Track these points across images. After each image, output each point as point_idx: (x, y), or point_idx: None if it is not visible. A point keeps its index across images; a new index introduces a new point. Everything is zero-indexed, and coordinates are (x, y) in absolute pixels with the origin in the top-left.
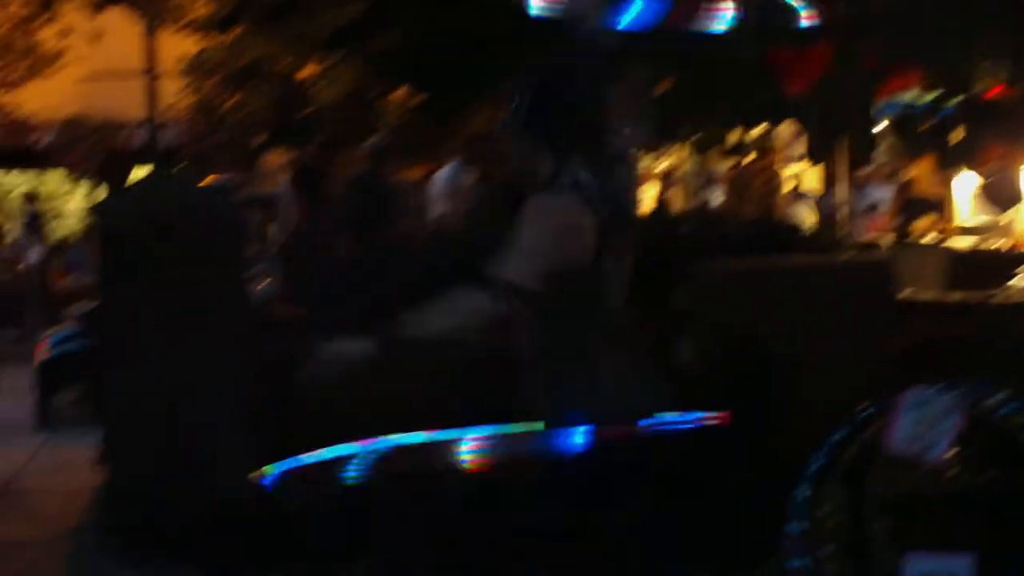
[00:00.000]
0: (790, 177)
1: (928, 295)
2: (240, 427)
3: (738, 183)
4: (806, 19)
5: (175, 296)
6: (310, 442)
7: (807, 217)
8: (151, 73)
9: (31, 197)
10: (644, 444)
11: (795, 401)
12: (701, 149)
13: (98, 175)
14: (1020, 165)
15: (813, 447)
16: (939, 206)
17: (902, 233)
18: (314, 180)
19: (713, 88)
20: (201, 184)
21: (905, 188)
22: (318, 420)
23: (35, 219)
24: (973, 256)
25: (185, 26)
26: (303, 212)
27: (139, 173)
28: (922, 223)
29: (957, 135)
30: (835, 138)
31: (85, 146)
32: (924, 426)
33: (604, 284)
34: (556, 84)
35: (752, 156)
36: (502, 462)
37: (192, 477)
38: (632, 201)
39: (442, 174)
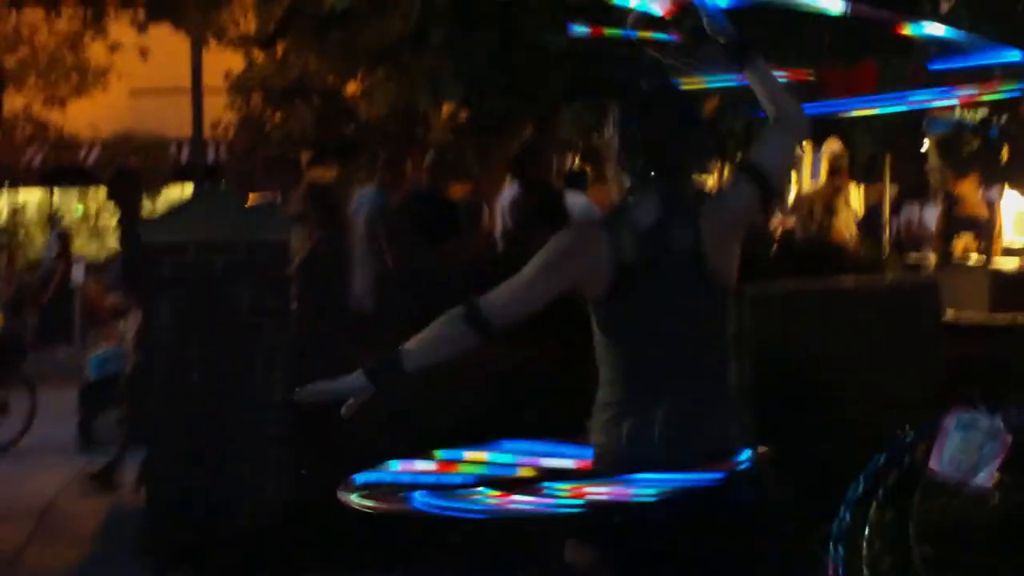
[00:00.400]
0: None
1: (973, 317)
2: (281, 448)
3: (802, 204)
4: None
5: (220, 311)
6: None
7: (852, 236)
8: (197, 90)
9: (54, 218)
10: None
11: (838, 424)
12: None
13: (108, 194)
14: None
15: (856, 471)
16: (984, 226)
17: (947, 253)
18: (327, 200)
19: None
20: (247, 202)
21: (951, 207)
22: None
23: (62, 238)
24: (1018, 277)
25: (231, 42)
26: (316, 232)
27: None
28: (967, 242)
29: (1003, 154)
30: (882, 157)
31: (132, 163)
32: (968, 450)
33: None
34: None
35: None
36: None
37: (233, 499)
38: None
39: (507, 192)
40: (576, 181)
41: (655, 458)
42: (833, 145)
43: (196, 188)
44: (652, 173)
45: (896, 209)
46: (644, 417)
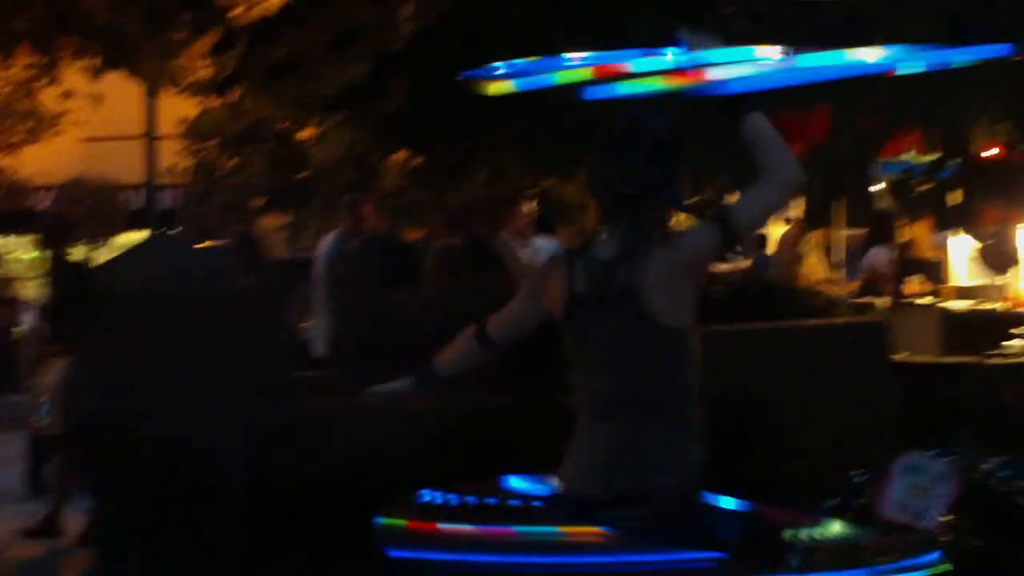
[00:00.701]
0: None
1: (924, 358)
2: (234, 489)
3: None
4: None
5: (172, 359)
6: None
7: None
8: (151, 136)
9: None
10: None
11: (789, 466)
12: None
13: (39, 241)
14: (1017, 228)
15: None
16: (936, 267)
17: (898, 294)
18: (251, 247)
19: (711, 151)
20: (199, 247)
21: (902, 249)
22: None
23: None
24: (969, 317)
25: (185, 89)
26: (243, 278)
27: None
28: (918, 284)
29: (955, 197)
30: (833, 201)
31: (83, 209)
32: (917, 493)
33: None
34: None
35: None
36: None
37: (181, 550)
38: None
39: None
40: (546, 225)
41: (574, 491)
42: None
43: (150, 234)
44: (612, 211)
45: (863, 253)
46: (581, 448)
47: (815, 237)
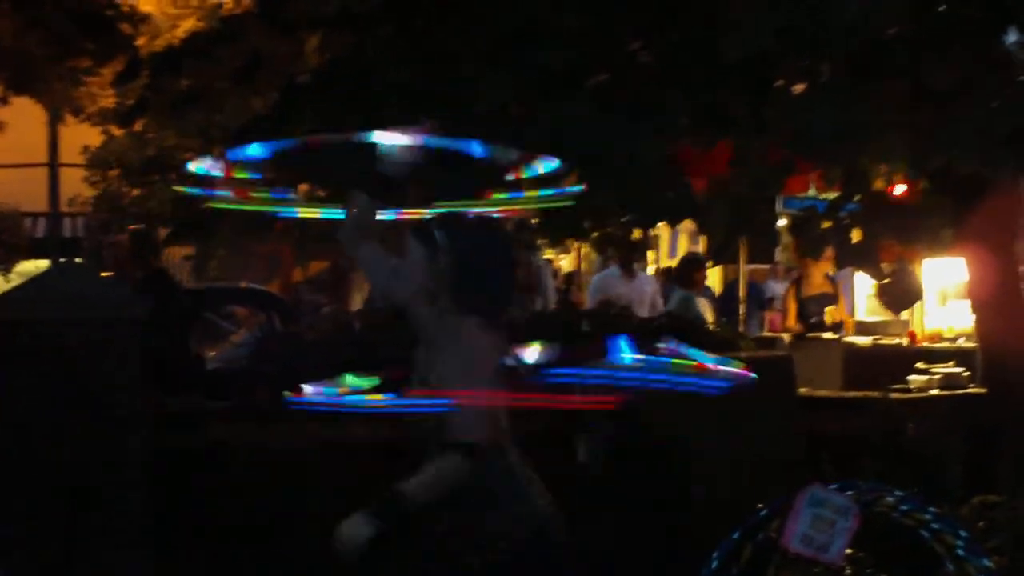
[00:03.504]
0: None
1: (827, 392)
2: (137, 525)
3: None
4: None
5: (73, 387)
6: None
7: (705, 313)
8: (54, 164)
9: None
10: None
11: (694, 499)
12: (600, 247)
13: None
14: (917, 265)
15: (710, 547)
16: (836, 302)
17: (800, 329)
18: (145, 243)
19: (615, 186)
20: (101, 276)
21: (801, 284)
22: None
23: None
24: (871, 352)
25: (88, 118)
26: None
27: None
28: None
29: (856, 234)
30: (736, 237)
31: None
32: (821, 526)
33: None
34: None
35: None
36: None
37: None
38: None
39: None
40: None
41: None
42: (688, 224)
43: (51, 263)
44: None
45: (758, 285)
46: None
47: None
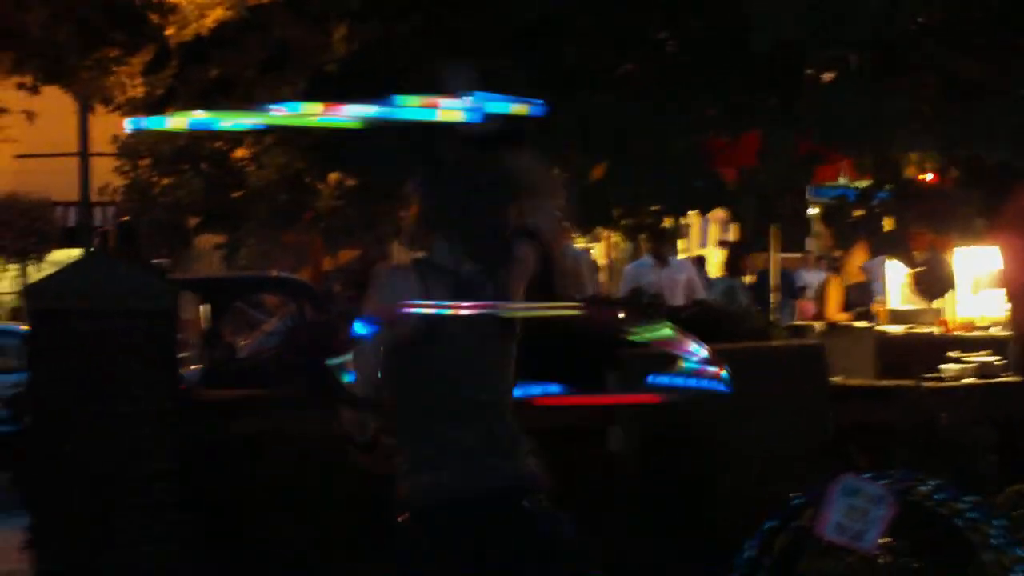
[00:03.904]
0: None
1: (860, 381)
2: (166, 515)
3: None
4: None
5: (104, 378)
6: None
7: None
8: (84, 153)
9: None
10: None
11: (727, 489)
12: (631, 235)
13: None
14: (949, 253)
15: (744, 536)
16: (870, 291)
17: (848, 318)
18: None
19: (643, 174)
20: (133, 266)
21: (836, 273)
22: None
23: None
24: (905, 341)
25: (118, 107)
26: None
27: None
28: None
29: (888, 223)
30: (767, 226)
31: (16, 226)
32: (855, 515)
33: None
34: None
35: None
36: None
37: (119, 567)
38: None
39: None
40: None
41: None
42: (719, 213)
43: (82, 252)
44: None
45: (791, 274)
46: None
47: None
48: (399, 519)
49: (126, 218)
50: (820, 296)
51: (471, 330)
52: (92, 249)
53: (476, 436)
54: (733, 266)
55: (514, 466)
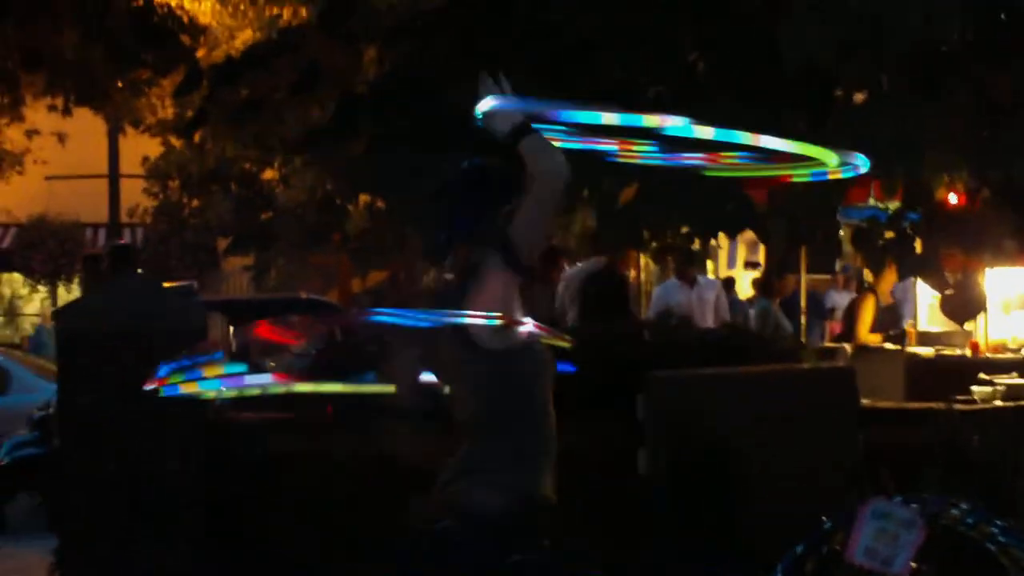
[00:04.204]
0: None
1: (890, 403)
2: (197, 536)
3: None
4: None
5: (133, 400)
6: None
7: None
8: (114, 175)
9: None
10: None
11: (756, 512)
12: (659, 258)
13: None
14: (979, 276)
15: (773, 560)
16: (899, 314)
17: (878, 340)
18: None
19: (673, 197)
20: (163, 287)
21: (865, 295)
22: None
23: None
24: (933, 363)
25: (148, 129)
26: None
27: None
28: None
29: (919, 244)
30: (796, 248)
31: (46, 248)
32: (885, 539)
33: None
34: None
35: None
36: None
37: None
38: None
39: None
40: None
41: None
42: (747, 234)
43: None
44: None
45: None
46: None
47: None
48: (439, 523)
49: (123, 240)
50: (848, 316)
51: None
52: (80, 276)
53: (538, 444)
54: (767, 288)
55: (533, 485)
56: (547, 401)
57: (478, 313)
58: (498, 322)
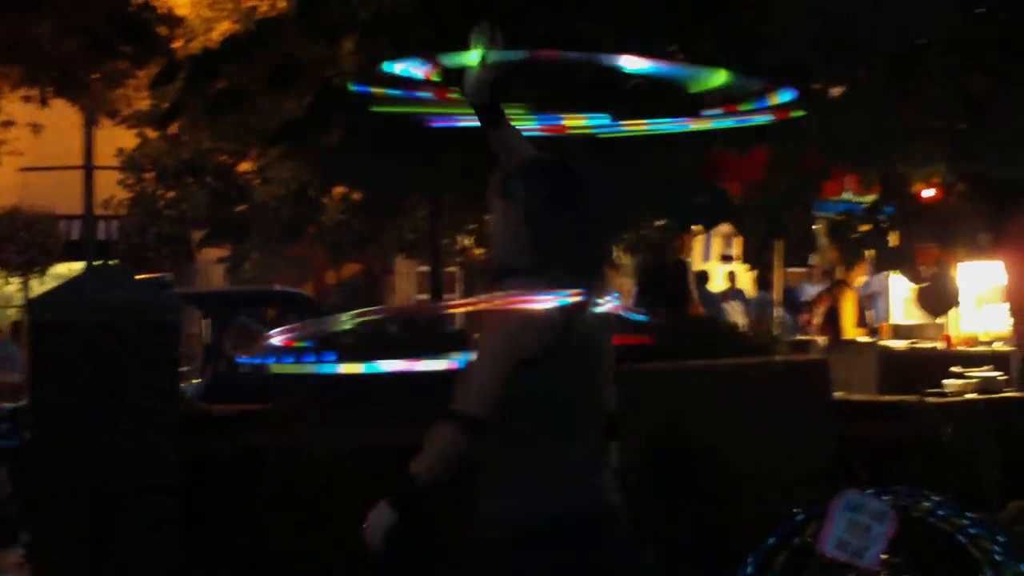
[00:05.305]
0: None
1: (863, 396)
2: (170, 529)
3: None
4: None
5: (106, 392)
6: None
7: (735, 316)
8: (89, 166)
9: None
10: None
11: (729, 504)
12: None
13: None
14: (953, 270)
15: (745, 552)
16: (876, 306)
17: (835, 333)
18: None
19: (651, 190)
20: (137, 279)
21: (843, 289)
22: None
23: None
24: (906, 356)
25: (123, 120)
26: None
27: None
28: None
29: (893, 238)
30: (772, 241)
31: (20, 240)
32: (857, 531)
33: None
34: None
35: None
36: None
37: None
38: None
39: None
40: None
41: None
42: (723, 228)
43: (86, 266)
44: None
45: (795, 289)
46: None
47: None
48: (484, 536)
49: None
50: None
51: (587, 344)
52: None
53: (584, 454)
54: (764, 281)
55: (608, 489)
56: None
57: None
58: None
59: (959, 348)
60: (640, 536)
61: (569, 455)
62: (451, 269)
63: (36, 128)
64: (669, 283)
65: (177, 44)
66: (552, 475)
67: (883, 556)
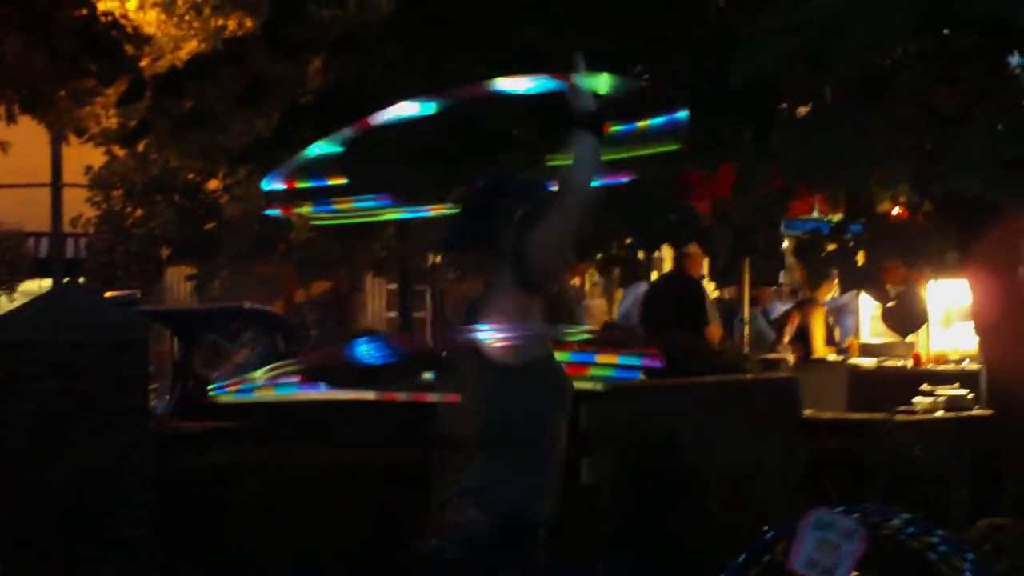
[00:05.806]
0: None
1: (832, 413)
2: (140, 546)
3: None
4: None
5: (75, 409)
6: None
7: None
8: (56, 184)
9: None
10: None
11: (700, 522)
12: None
13: None
14: (921, 288)
15: (716, 570)
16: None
17: (805, 351)
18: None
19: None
20: (106, 297)
21: (813, 308)
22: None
23: None
24: (875, 374)
25: (91, 138)
26: None
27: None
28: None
29: (861, 256)
30: (740, 260)
31: None
32: (826, 549)
33: None
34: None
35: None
36: None
37: None
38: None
39: None
40: None
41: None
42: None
43: (54, 283)
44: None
45: (763, 307)
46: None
47: None
48: (433, 541)
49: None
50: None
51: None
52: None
53: (541, 465)
54: (754, 299)
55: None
56: (556, 423)
57: (491, 329)
58: (508, 339)
59: (928, 366)
60: (595, 554)
61: (497, 469)
62: (420, 287)
63: (3, 145)
64: (673, 299)
65: (145, 62)
66: (478, 489)
67: (853, 574)
